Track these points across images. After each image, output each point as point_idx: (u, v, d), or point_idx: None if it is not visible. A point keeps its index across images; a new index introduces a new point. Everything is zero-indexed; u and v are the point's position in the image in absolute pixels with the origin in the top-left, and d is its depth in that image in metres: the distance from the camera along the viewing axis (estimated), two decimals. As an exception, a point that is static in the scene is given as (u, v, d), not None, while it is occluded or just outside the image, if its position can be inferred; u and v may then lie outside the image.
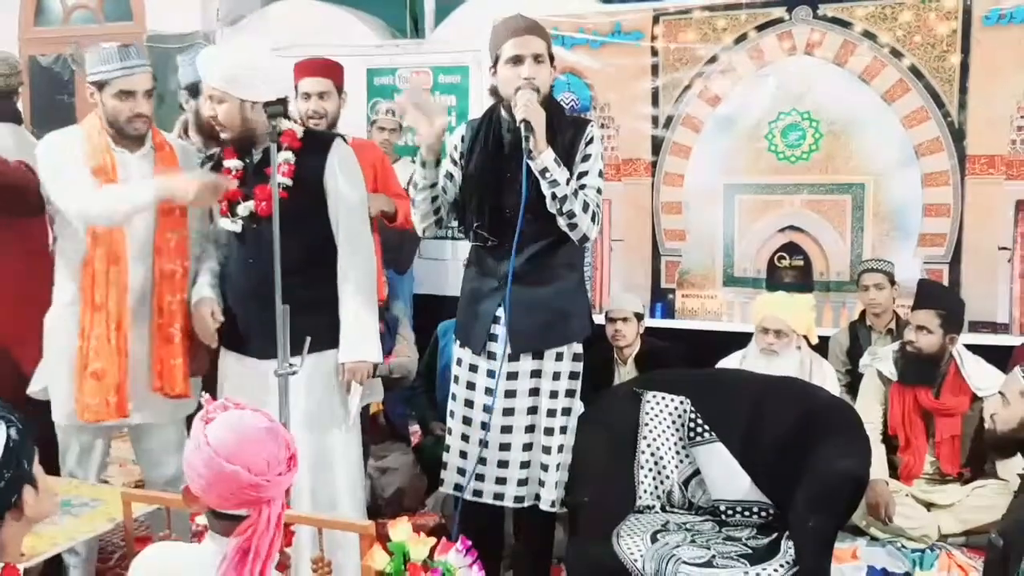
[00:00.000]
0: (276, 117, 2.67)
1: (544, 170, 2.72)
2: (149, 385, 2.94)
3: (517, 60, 2.81)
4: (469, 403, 2.98)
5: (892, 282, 4.12)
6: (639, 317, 4.05)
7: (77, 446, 3.00)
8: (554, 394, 2.93)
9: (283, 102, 2.82)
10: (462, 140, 2.99)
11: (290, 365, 2.65)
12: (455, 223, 3.07)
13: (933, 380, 3.64)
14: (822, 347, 4.08)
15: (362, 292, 2.90)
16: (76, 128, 2.98)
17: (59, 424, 2.98)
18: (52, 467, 2.99)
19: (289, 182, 2.86)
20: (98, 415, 2.86)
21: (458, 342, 3.07)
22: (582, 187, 2.80)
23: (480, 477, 2.98)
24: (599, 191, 2.84)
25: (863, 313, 4.23)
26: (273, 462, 1.64)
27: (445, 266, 5.11)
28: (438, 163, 2.89)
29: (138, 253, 2.92)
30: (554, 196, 2.74)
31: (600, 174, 2.85)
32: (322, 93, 3.54)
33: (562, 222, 2.77)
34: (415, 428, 4.49)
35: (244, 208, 2.87)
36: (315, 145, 2.93)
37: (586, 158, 2.84)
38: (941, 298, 3.77)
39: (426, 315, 4.94)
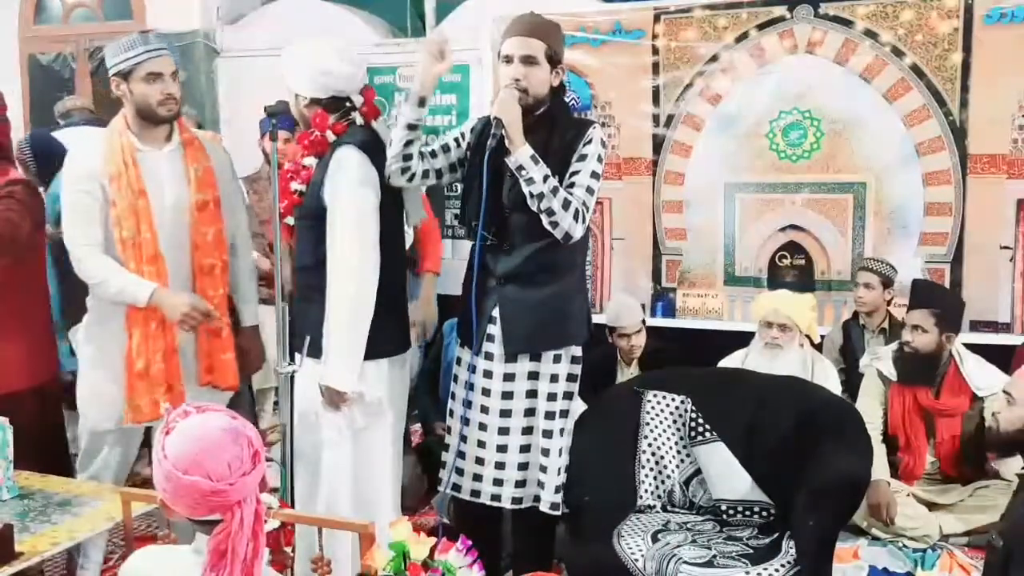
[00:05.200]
0: (275, 116, 2.66)
1: (520, 167, 2.72)
2: (197, 381, 2.97)
3: (508, 60, 2.82)
4: (468, 403, 2.97)
5: (887, 284, 4.11)
6: (643, 322, 4.06)
7: (106, 449, 3.00)
8: (552, 396, 2.92)
9: (284, 103, 2.82)
10: (471, 131, 2.99)
11: (290, 364, 2.65)
12: (458, 222, 3.06)
13: (932, 380, 3.64)
14: (822, 346, 4.08)
15: (339, 311, 2.76)
16: (101, 133, 2.98)
17: (93, 429, 2.99)
18: (58, 463, 3.01)
19: (303, 188, 2.89)
20: (147, 416, 2.88)
21: (459, 341, 3.07)
22: (570, 185, 2.79)
23: (478, 478, 2.97)
24: (590, 191, 2.81)
25: (857, 312, 4.23)
26: (235, 464, 1.61)
27: (445, 265, 5.11)
28: (422, 104, 2.85)
29: (173, 250, 2.92)
30: (531, 194, 2.74)
31: (593, 174, 2.82)
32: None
33: (544, 220, 2.76)
34: (416, 427, 4.48)
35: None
36: (333, 151, 2.85)
37: (581, 158, 2.82)
38: (935, 297, 3.78)
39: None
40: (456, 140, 2.99)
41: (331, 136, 2.87)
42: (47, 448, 3.02)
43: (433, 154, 2.95)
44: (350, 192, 2.77)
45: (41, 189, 3.41)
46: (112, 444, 3.01)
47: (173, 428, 1.64)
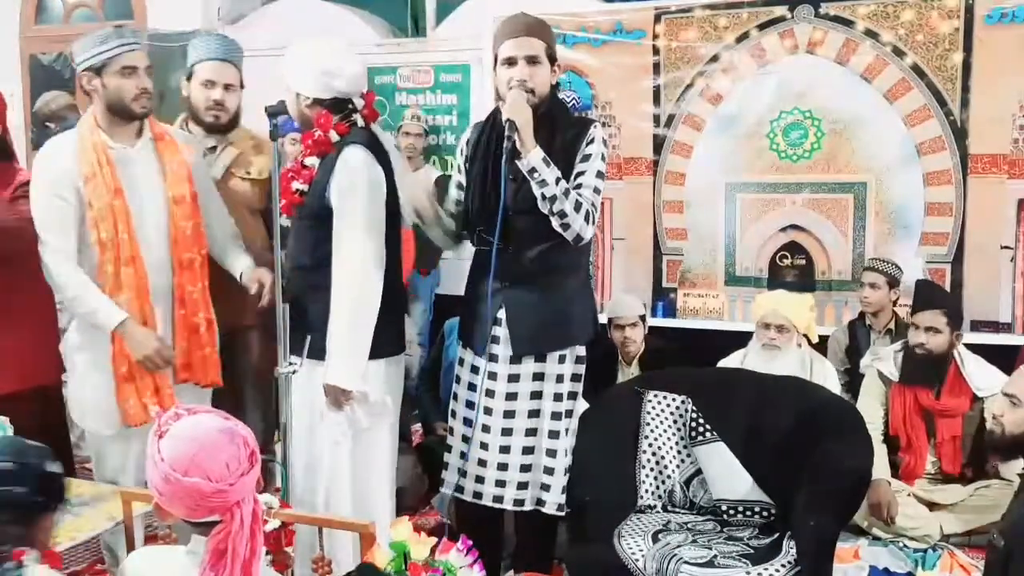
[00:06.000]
0: (276, 116, 2.66)
1: (532, 169, 2.71)
2: (173, 378, 2.92)
3: (511, 61, 2.81)
4: (470, 404, 2.97)
5: (892, 284, 4.11)
6: (643, 319, 4.06)
7: (116, 455, 2.98)
8: (557, 397, 2.92)
9: (284, 103, 2.81)
10: (468, 144, 3.00)
11: (290, 364, 2.65)
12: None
13: (943, 380, 3.63)
14: (821, 347, 4.07)
15: (346, 310, 2.76)
16: (72, 134, 2.93)
17: (93, 434, 2.98)
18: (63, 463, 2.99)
19: (304, 187, 2.86)
20: (135, 419, 2.85)
21: (461, 343, 3.07)
22: (578, 187, 2.79)
23: (480, 479, 2.97)
24: (596, 191, 2.81)
25: (863, 312, 4.23)
26: (233, 464, 1.61)
27: (447, 265, 5.12)
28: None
29: (152, 246, 2.89)
30: (543, 196, 2.73)
31: (599, 174, 2.83)
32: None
33: (554, 222, 2.75)
34: (416, 427, 4.48)
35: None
36: (338, 149, 2.84)
37: (585, 158, 2.82)
38: (939, 297, 3.79)
39: (435, 313, 4.99)
40: (459, 170, 3.05)
41: (334, 136, 2.86)
42: (51, 448, 3.00)
43: (458, 202, 3.02)
44: (359, 192, 2.76)
45: None
46: (119, 447, 2.98)
47: (166, 431, 1.64)
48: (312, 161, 2.88)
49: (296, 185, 2.88)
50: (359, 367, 2.76)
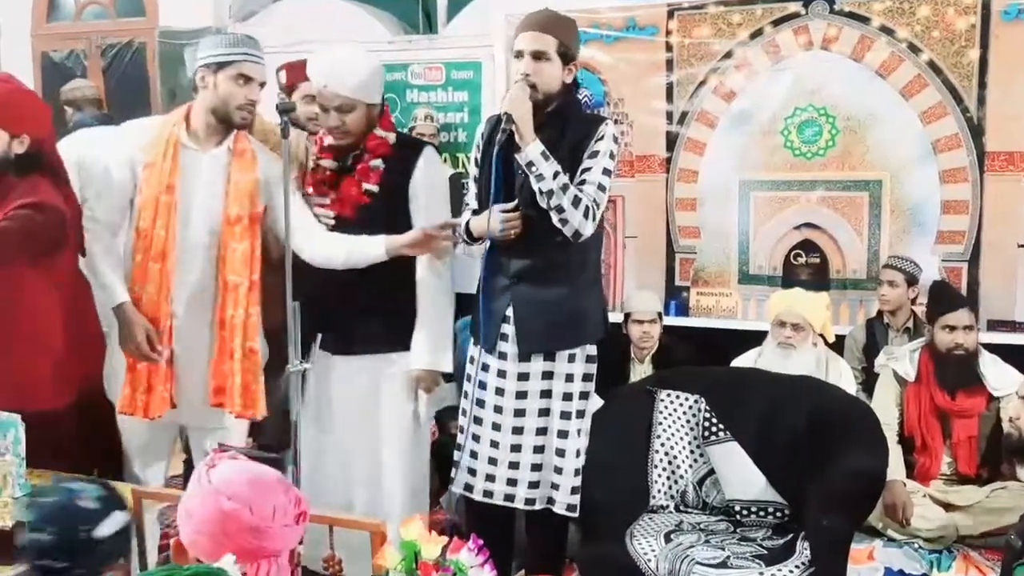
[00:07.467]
0: (286, 113, 2.66)
1: (529, 163, 2.71)
2: (207, 399, 2.89)
3: (519, 55, 2.81)
4: (480, 402, 2.96)
5: (911, 282, 4.08)
6: (660, 316, 4.06)
7: (137, 441, 3.02)
8: (567, 396, 2.90)
9: (291, 103, 2.84)
10: (481, 137, 2.99)
11: (300, 363, 2.65)
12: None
13: (979, 379, 3.60)
14: (838, 346, 4.05)
15: (441, 301, 3.02)
16: (154, 120, 3.01)
17: (120, 421, 3.01)
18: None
19: (375, 188, 2.96)
20: (129, 408, 2.87)
21: (472, 340, 3.06)
22: (581, 183, 2.77)
23: (491, 478, 2.95)
24: (601, 188, 2.79)
25: (881, 310, 4.20)
26: (280, 511, 1.50)
27: (458, 262, 5.11)
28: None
29: (197, 255, 2.87)
30: (540, 190, 2.72)
31: (605, 171, 2.80)
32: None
33: (553, 217, 2.75)
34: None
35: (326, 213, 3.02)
36: (404, 151, 3.00)
37: (593, 154, 2.81)
38: (962, 296, 3.78)
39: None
40: (475, 162, 3.05)
41: (392, 137, 3.01)
42: (93, 455, 2.96)
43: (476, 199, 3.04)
44: (441, 188, 3.07)
45: None
46: (146, 436, 3.00)
47: (219, 463, 1.57)
48: (377, 163, 2.98)
49: (367, 186, 2.97)
50: (450, 352, 3.04)
